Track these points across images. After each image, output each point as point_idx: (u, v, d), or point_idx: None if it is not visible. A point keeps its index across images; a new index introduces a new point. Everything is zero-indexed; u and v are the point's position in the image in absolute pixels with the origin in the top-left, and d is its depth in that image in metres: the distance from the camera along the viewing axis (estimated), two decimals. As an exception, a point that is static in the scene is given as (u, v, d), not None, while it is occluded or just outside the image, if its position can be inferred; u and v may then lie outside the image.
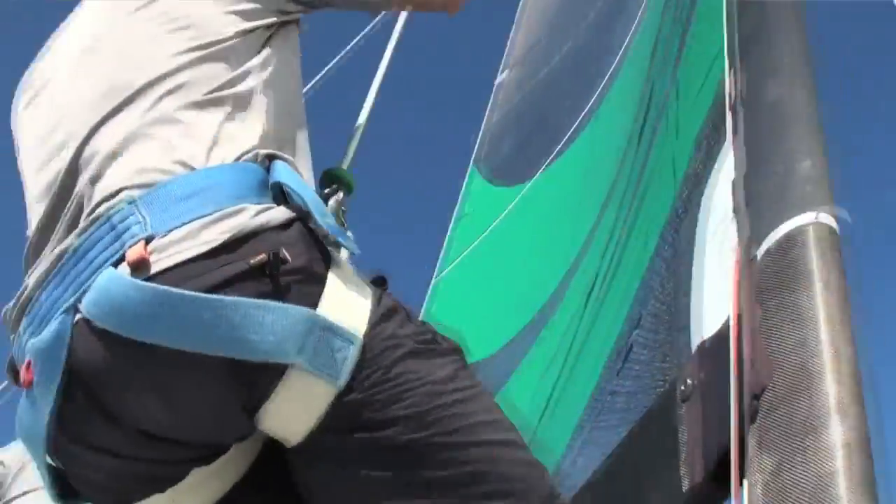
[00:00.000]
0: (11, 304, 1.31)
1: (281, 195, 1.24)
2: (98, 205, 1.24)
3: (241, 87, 1.33)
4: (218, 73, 1.34)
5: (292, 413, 1.16)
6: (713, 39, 2.33)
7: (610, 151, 4.70)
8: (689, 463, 1.48)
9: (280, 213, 1.20)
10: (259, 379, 1.13)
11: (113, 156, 1.27)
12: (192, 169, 1.23)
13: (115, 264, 1.17)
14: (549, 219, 5.44)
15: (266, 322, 1.10)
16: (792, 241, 1.45)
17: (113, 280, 1.15)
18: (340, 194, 1.51)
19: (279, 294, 1.14)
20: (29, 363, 1.21)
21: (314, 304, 1.15)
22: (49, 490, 1.32)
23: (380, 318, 1.20)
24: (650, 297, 2.30)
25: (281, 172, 1.25)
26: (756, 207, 1.63)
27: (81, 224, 1.25)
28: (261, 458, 1.30)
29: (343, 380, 1.14)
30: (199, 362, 1.12)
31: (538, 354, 3.29)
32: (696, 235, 1.98)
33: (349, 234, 1.37)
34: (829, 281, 1.36)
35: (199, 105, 1.29)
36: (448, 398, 1.20)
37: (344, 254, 1.34)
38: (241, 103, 1.32)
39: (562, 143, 6.32)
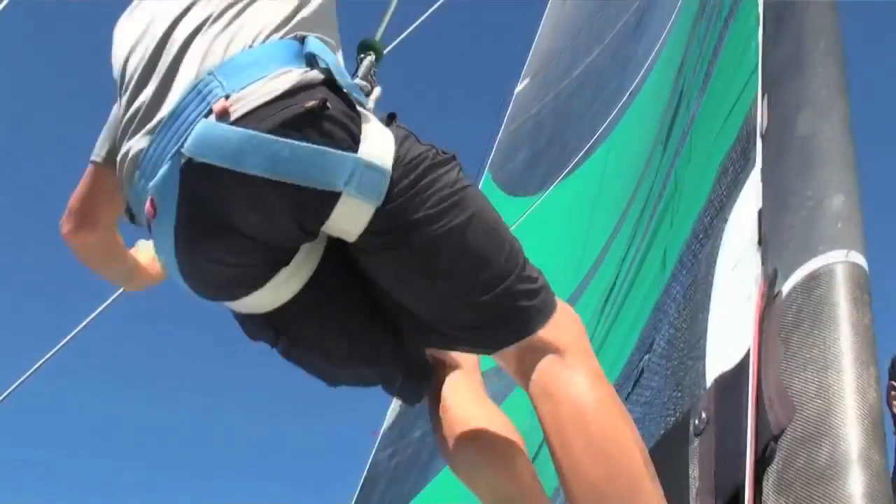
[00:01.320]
0: (119, 166, 1.75)
1: (315, 62, 1.66)
2: (184, 79, 1.67)
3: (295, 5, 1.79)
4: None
5: (347, 222, 1.61)
6: (746, 64, 2.29)
7: (628, 168, 4.68)
8: (700, 499, 1.45)
9: (316, 74, 1.63)
10: (322, 200, 1.57)
11: (193, 42, 1.71)
12: (252, 47, 1.68)
13: (206, 117, 1.58)
14: (561, 233, 5.44)
15: (326, 163, 1.55)
16: (819, 279, 1.41)
17: (206, 126, 1.57)
18: (372, 58, 1.99)
19: (327, 135, 1.56)
20: (151, 199, 1.64)
21: (354, 145, 1.58)
22: (180, 280, 1.73)
23: (399, 148, 1.63)
24: (664, 321, 2.25)
25: (311, 45, 1.68)
26: (783, 241, 1.59)
27: (171, 96, 1.67)
28: (326, 257, 1.74)
29: (380, 199, 1.58)
30: (280, 186, 1.54)
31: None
32: (716, 262, 1.94)
33: (377, 89, 1.84)
34: (857, 323, 1.32)
35: (251, 3, 1.76)
36: (457, 196, 1.65)
37: (371, 103, 1.75)
38: (292, 13, 1.77)
39: (578, 156, 6.32)
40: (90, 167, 1.97)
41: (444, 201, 1.64)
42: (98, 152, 1.95)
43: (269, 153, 1.53)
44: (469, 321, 1.71)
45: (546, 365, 1.65)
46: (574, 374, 1.62)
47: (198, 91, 1.62)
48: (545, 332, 1.67)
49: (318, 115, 1.56)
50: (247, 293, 1.70)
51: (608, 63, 7.74)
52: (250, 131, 1.54)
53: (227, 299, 1.76)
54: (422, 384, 1.88)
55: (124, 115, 1.77)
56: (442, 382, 1.91)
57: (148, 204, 1.65)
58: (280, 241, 1.66)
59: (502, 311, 1.68)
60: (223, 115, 1.56)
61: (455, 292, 1.68)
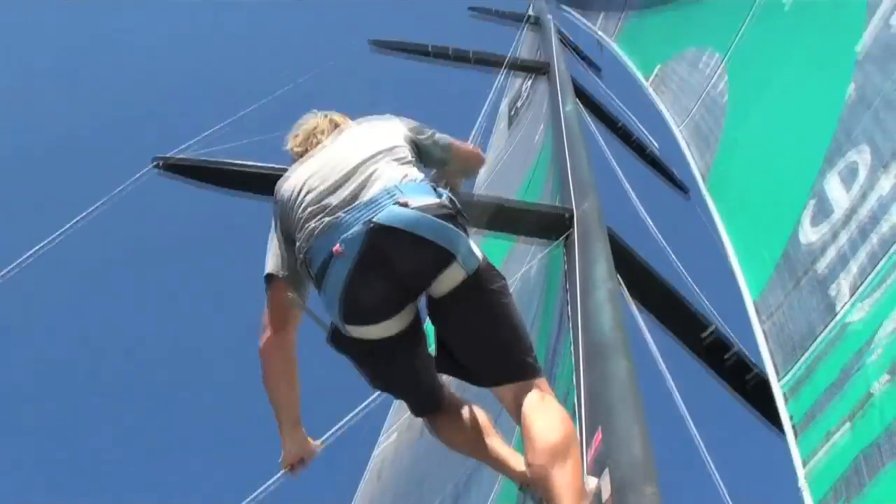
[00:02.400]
0: (314, 228, 2.85)
1: (440, 193, 2.91)
2: (377, 187, 2.87)
3: (411, 159, 3.17)
4: (406, 153, 3.16)
5: (448, 279, 2.78)
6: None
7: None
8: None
9: (446, 200, 2.85)
10: (447, 258, 2.74)
11: (378, 174, 2.94)
12: (414, 181, 2.93)
13: (393, 205, 2.76)
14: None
15: (457, 239, 2.77)
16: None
17: (395, 208, 2.74)
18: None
19: (458, 226, 2.80)
20: (340, 245, 2.71)
21: (466, 236, 2.84)
22: (337, 315, 2.81)
23: (485, 257, 2.91)
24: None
25: (440, 189, 2.97)
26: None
27: (366, 193, 2.86)
28: (409, 329, 2.92)
29: (470, 272, 2.80)
30: (430, 244, 2.71)
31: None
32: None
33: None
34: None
35: (404, 161, 3.10)
36: (507, 290, 2.95)
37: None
38: (414, 165, 3.14)
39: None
40: (274, 284, 3.10)
41: (502, 289, 2.92)
42: (276, 269, 3.10)
43: (432, 226, 2.73)
44: (498, 361, 2.86)
45: (535, 398, 2.74)
46: (554, 406, 2.76)
47: (387, 192, 2.82)
48: (539, 382, 2.83)
49: (455, 216, 2.82)
50: (373, 323, 2.81)
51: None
52: (422, 213, 2.74)
53: (358, 324, 2.83)
54: (426, 408, 3.21)
55: (309, 209, 2.92)
56: (452, 410, 3.15)
57: (337, 246, 2.73)
58: (411, 284, 2.81)
59: (520, 361, 2.85)
60: (405, 205, 2.75)
61: (495, 342, 2.84)
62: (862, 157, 4.73)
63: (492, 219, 4.97)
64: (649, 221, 6.41)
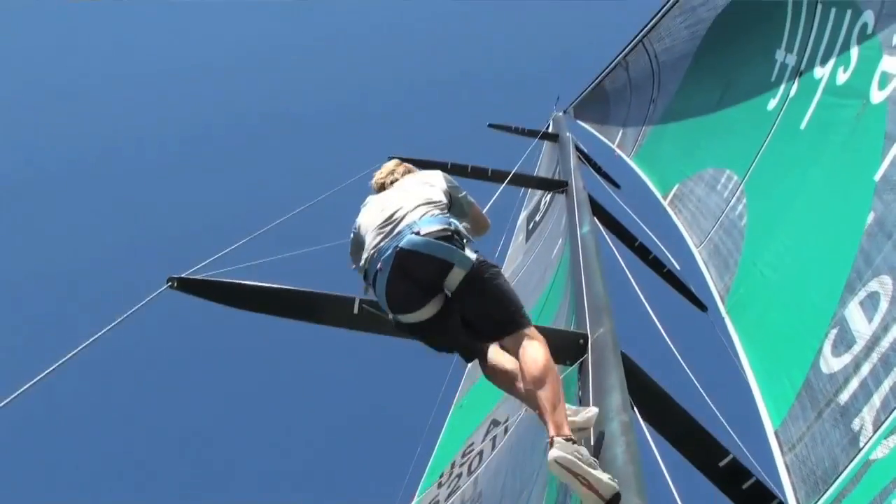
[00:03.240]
0: (371, 252, 4.33)
1: (451, 222, 4.32)
2: (404, 223, 4.31)
3: (443, 203, 4.62)
4: (441, 199, 4.63)
5: (454, 278, 4.09)
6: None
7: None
8: None
9: (453, 227, 4.25)
10: (447, 267, 4.07)
11: (410, 216, 4.35)
12: (432, 216, 4.36)
13: (411, 234, 4.16)
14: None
15: (451, 252, 4.08)
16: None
17: (412, 236, 4.13)
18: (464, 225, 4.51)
19: (454, 243, 4.13)
20: (382, 264, 4.17)
21: (462, 248, 4.13)
22: (385, 309, 4.29)
23: (478, 256, 4.16)
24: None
25: (451, 218, 4.40)
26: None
27: (398, 227, 4.30)
28: (441, 310, 4.22)
29: (468, 271, 4.07)
30: (438, 260, 4.07)
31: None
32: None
33: (464, 225, 4.52)
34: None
35: (434, 205, 4.49)
36: (499, 273, 4.23)
37: (467, 234, 4.36)
38: (442, 206, 4.56)
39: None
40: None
41: (494, 274, 4.17)
42: (355, 263, 4.74)
43: (432, 246, 4.09)
44: (498, 323, 4.11)
45: (525, 342, 3.96)
46: (541, 346, 3.95)
47: (409, 227, 4.22)
48: (528, 331, 4.03)
49: (451, 236, 4.16)
50: (412, 311, 4.20)
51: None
52: (427, 238, 4.11)
53: (400, 314, 4.24)
54: (471, 356, 4.46)
55: (371, 233, 4.44)
56: (484, 355, 4.31)
57: (380, 265, 4.20)
58: (430, 284, 4.15)
59: (515, 319, 4.09)
60: (417, 234, 4.13)
61: (494, 311, 4.12)
62: (883, 287, 4.67)
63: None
64: (668, 341, 6.32)
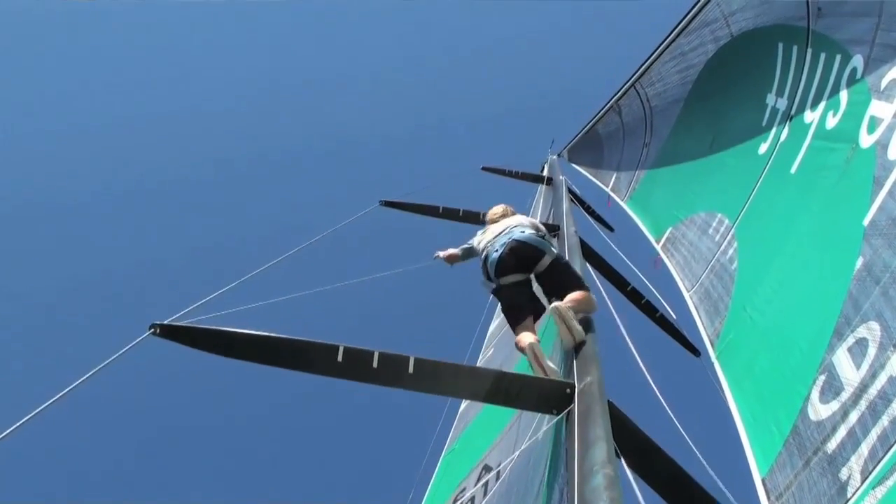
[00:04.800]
0: (487, 247, 7.14)
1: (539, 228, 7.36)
2: (514, 230, 7.16)
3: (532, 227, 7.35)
4: (531, 224, 7.41)
5: (543, 263, 6.72)
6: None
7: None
8: None
9: (542, 233, 7.20)
10: (541, 253, 6.76)
11: (514, 228, 7.19)
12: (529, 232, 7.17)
13: (520, 233, 7.07)
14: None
15: (544, 245, 6.86)
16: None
17: (521, 234, 6.95)
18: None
19: (546, 241, 6.98)
20: (496, 250, 6.89)
21: (550, 246, 6.98)
22: (494, 275, 6.83)
23: (557, 252, 7.06)
24: None
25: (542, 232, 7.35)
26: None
27: (513, 234, 7.00)
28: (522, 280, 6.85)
29: (553, 258, 6.77)
30: (533, 247, 6.79)
31: None
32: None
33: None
34: None
35: (528, 226, 7.28)
36: (565, 261, 7.08)
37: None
38: (533, 228, 7.28)
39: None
40: (458, 253, 8.18)
41: (564, 261, 7.03)
42: (464, 247, 8.10)
43: (533, 240, 6.83)
44: (569, 285, 6.35)
45: (581, 294, 6.21)
46: (588, 294, 6.32)
47: (519, 230, 7.02)
48: (584, 291, 6.30)
49: (543, 237, 6.98)
50: (507, 275, 6.71)
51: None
52: (529, 235, 6.90)
53: (502, 276, 6.72)
54: (522, 315, 6.40)
55: (488, 243, 7.13)
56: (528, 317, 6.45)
57: (496, 250, 6.86)
58: (524, 263, 6.72)
59: (577, 283, 6.47)
60: (523, 233, 6.93)
61: (566, 279, 6.54)
62: (872, 333, 4.63)
63: (491, 391, 4.84)
64: (655, 389, 6.26)
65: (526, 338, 5.89)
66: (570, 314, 5.62)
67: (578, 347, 5.39)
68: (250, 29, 45.95)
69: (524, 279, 6.75)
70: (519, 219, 7.56)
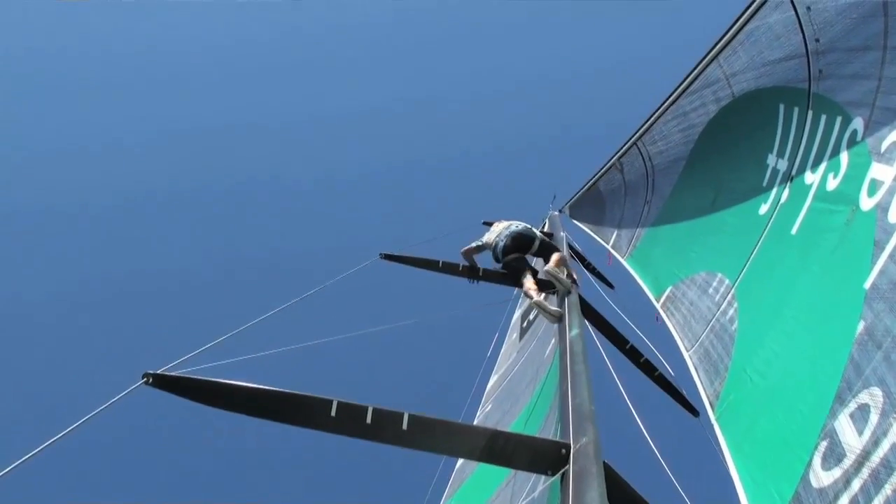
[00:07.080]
0: (496, 240, 10.73)
1: (535, 231, 11.14)
2: (513, 225, 11.20)
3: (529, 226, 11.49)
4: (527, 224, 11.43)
5: (534, 247, 10.54)
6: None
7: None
8: None
9: (531, 227, 11.54)
10: (531, 241, 10.57)
11: (513, 224, 11.32)
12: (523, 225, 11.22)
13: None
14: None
15: (534, 235, 10.69)
16: None
17: (517, 227, 10.86)
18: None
19: (533, 233, 10.86)
20: (502, 240, 10.81)
21: (537, 235, 10.87)
22: (500, 255, 10.54)
23: (543, 237, 10.99)
24: None
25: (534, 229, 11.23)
26: None
27: (509, 228, 10.91)
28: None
29: (540, 242, 10.63)
30: (526, 237, 10.62)
31: None
32: None
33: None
34: None
35: (524, 224, 11.29)
36: (551, 242, 11.32)
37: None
38: (528, 226, 11.45)
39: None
40: (474, 247, 11.17)
41: (550, 240, 11.78)
42: (477, 243, 11.14)
43: (527, 232, 10.64)
44: (552, 252, 10.18)
45: (556, 255, 10.03)
46: (558, 255, 10.23)
47: (517, 226, 11.03)
48: (558, 253, 10.27)
49: (531, 229, 10.94)
50: (510, 255, 10.37)
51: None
52: (523, 229, 10.74)
53: (507, 254, 10.35)
54: (520, 276, 10.04)
55: (496, 236, 10.69)
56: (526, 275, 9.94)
57: (502, 240, 10.50)
58: (521, 248, 10.46)
59: (556, 249, 10.57)
60: (518, 227, 10.72)
61: (550, 249, 10.41)
62: (874, 399, 4.56)
63: (485, 451, 4.76)
64: (654, 449, 6.17)
65: (527, 282, 9.58)
66: (555, 270, 9.48)
67: (568, 297, 8.88)
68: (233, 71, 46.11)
69: (521, 256, 10.35)
70: (513, 221, 11.07)
